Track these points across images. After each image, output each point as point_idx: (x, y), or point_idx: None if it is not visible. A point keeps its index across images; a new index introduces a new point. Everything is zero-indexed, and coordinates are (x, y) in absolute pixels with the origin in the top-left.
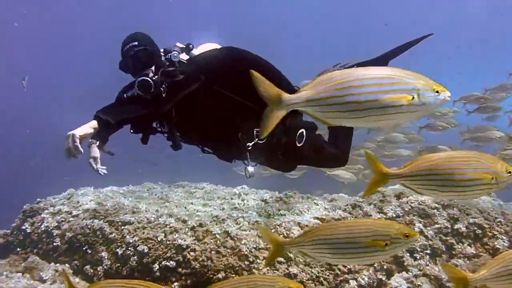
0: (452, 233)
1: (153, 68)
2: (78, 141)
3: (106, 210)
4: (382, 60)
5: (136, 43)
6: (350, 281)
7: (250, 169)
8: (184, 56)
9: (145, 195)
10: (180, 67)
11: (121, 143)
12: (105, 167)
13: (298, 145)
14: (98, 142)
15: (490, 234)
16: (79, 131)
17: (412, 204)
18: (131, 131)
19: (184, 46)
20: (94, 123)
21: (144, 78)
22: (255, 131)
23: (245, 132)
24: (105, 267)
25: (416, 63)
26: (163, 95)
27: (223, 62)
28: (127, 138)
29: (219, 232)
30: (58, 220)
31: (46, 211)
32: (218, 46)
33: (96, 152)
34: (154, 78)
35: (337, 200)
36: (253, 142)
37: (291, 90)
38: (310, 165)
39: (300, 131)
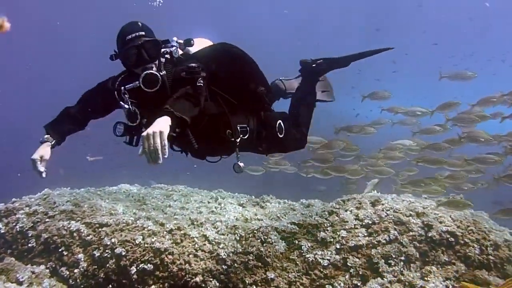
0: (426, 241)
1: (156, 62)
2: (166, 141)
3: (83, 212)
4: (345, 60)
5: (144, 33)
6: (326, 286)
7: (241, 164)
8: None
9: (122, 197)
10: (179, 62)
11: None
12: (45, 170)
13: (280, 136)
14: (53, 142)
15: (462, 242)
16: (164, 129)
17: (388, 212)
18: (117, 133)
19: (182, 42)
20: (167, 120)
21: (151, 72)
22: (239, 127)
23: (233, 128)
24: (81, 269)
25: None
26: (200, 92)
27: (218, 61)
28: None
29: (197, 235)
30: (33, 220)
31: (21, 211)
32: (210, 42)
33: (47, 152)
34: (161, 73)
35: (313, 205)
36: (239, 138)
37: (268, 88)
38: (279, 151)
39: (278, 122)
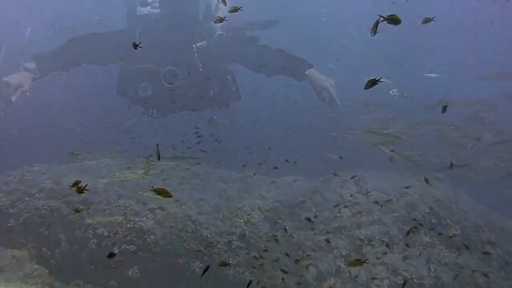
0: (408, 222)
1: None
2: None
3: (64, 190)
4: None
5: None
6: (310, 267)
7: (215, 118)
8: None
9: (102, 172)
10: None
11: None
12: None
13: (233, 89)
14: (38, 76)
15: (444, 223)
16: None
17: (372, 192)
18: (143, 94)
19: None
20: None
21: (222, 33)
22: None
23: (210, 84)
24: (62, 249)
25: None
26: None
27: None
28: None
29: (180, 215)
30: (12, 199)
31: None
32: None
33: (28, 84)
34: (225, 35)
35: (297, 183)
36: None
37: None
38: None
39: (228, 77)
